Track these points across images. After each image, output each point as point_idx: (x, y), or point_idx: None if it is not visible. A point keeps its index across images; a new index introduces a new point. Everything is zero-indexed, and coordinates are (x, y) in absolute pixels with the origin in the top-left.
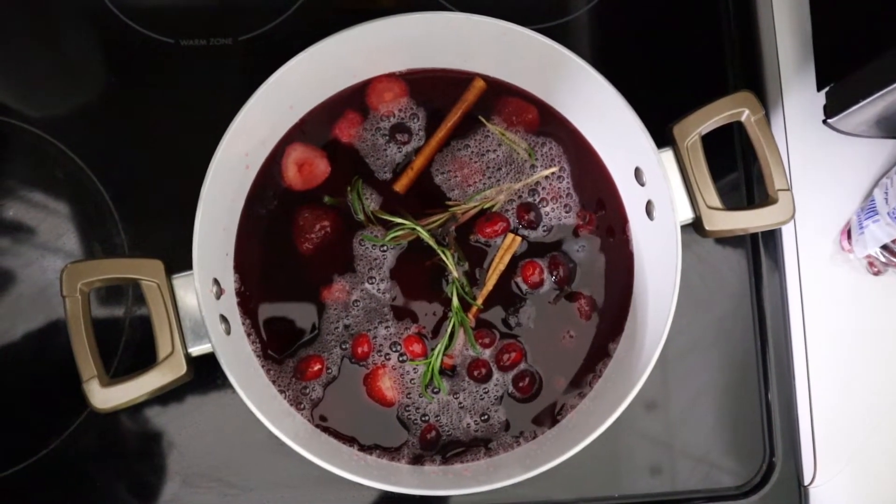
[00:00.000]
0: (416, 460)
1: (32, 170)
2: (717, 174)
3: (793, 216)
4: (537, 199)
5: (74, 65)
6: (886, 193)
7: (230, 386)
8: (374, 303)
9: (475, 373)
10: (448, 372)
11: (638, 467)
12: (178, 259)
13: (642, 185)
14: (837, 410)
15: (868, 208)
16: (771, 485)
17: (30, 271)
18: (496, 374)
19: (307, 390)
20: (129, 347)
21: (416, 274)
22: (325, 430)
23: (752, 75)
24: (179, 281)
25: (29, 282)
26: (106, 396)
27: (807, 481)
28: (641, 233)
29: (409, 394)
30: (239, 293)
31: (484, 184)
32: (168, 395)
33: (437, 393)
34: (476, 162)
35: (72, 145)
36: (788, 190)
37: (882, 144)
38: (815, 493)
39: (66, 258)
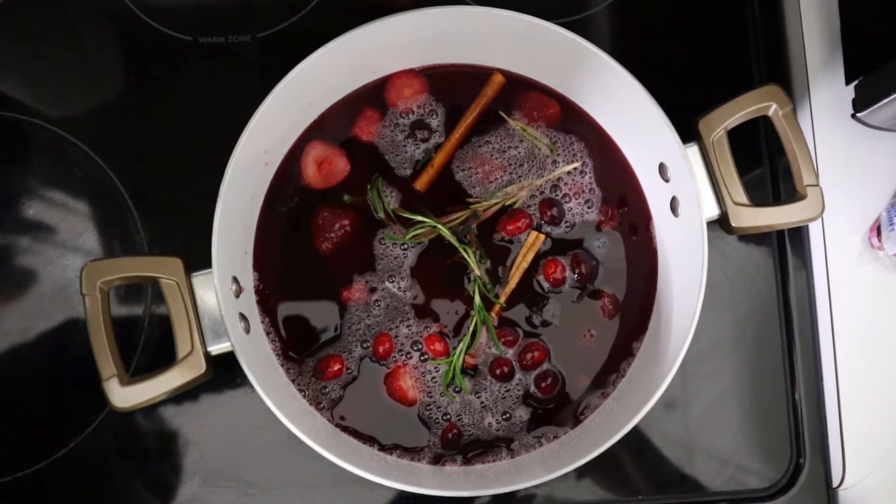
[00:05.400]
0: (437, 460)
1: (52, 169)
2: (741, 170)
3: (822, 212)
4: (559, 195)
5: (93, 63)
6: None
7: (249, 385)
8: (395, 302)
9: (497, 371)
10: (470, 371)
11: (660, 468)
12: (198, 257)
13: (667, 181)
14: (867, 411)
15: None
16: (798, 487)
17: (50, 270)
18: (518, 374)
19: (327, 390)
20: (147, 346)
21: (438, 272)
22: (345, 429)
23: (778, 69)
24: (199, 279)
25: (49, 280)
26: (125, 395)
27: (835, 483)
28: (665, 229)
29: (431, 393)
30: (258, 292)
31: (505, 180)
32: (186, 394)
33: (458, 392)
34: (497, 158)
35: (91, 144)
36: (817, 185)
37: None
38: (843, 496)
39: (85, 257)
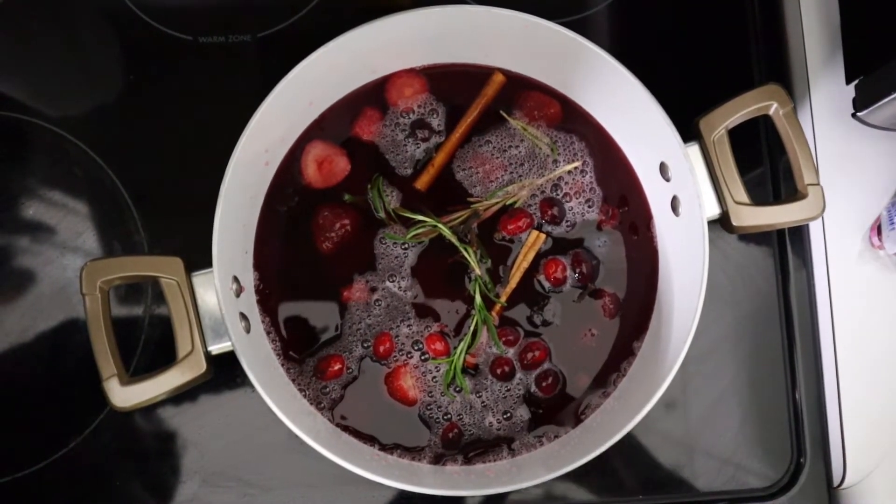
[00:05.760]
0: (438, 460)
1: (52, 168)
2: (742, 169)
3: (823, 211)
4: (560, 195)
5: (93, 63)
6: None
7: (250, 385)
8: (396, 301)
9: (498, 371)
10: (470, 370)
11: (661, 468)
12: (198, 257)
13: (667, 180)
14: (868, 410)
15: None
16: (799, 486)
17: (49, 270)
18: (519, 373)
19: (327, 389)
20: (148, 346)
21: (438, 272)
22: (346, 429)
23: (778, 68)
24: (199, 279)
25: (49, 281)
26: (125, 395)
27: (836, 482)
28: (666, 229)
29: (431, 392)
30: (258, 291)
31: (506, 179)
32: (186, 394)
33: (459, 392)
34: (498, 157)
35: (91, 144)
36: (818, 185)
37: None
38: (844, 495)
39: (85, 257)
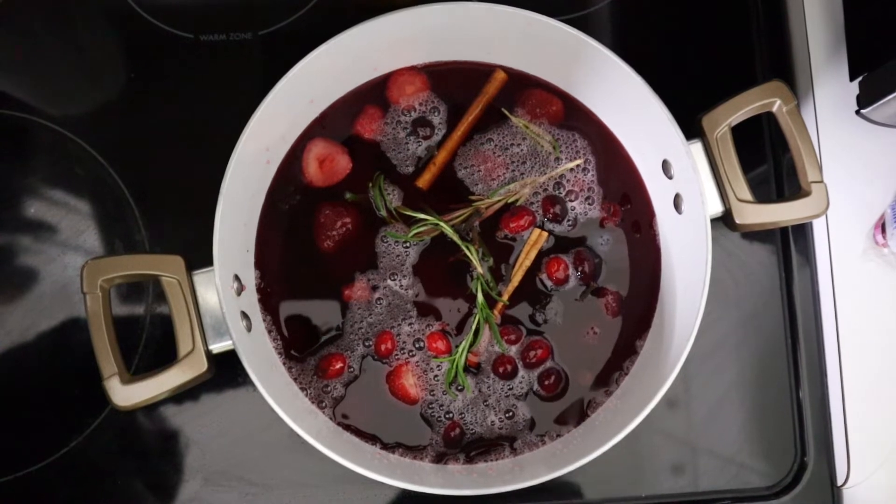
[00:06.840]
0: (440, 459)
1: (53, 167)
2: (745, 166)
3: (826, 209)
4: (563, 193)
5: (94, 62)
6: None
7: (251, 384)
8: (398, 300)
9: (500, 369)
10: (472, 369)
11: (663, 467)
12: (199, 255)
13: (670, 178)
14: (872, 409)
15: None
16: (802, 485)
17: (51, 269)
18: (521, 371)
19: (329, 388)
20: (149, 345)
21: (440, 270)
22: (347, 428)
23: (781, 65)
24: (200, 277)
25: (50, 279)
26: (126, 394)
27: (840, 482)
28: (669, 227)
29: (433, 391)
30: (260, 290)
31: (508, 178)
32: (188, 394)
33: (461, 390)
34: (499, 156)
35: (92, 142)
36: (822, 182)
37: None
38: (848, 494)
39: (86, 255)
